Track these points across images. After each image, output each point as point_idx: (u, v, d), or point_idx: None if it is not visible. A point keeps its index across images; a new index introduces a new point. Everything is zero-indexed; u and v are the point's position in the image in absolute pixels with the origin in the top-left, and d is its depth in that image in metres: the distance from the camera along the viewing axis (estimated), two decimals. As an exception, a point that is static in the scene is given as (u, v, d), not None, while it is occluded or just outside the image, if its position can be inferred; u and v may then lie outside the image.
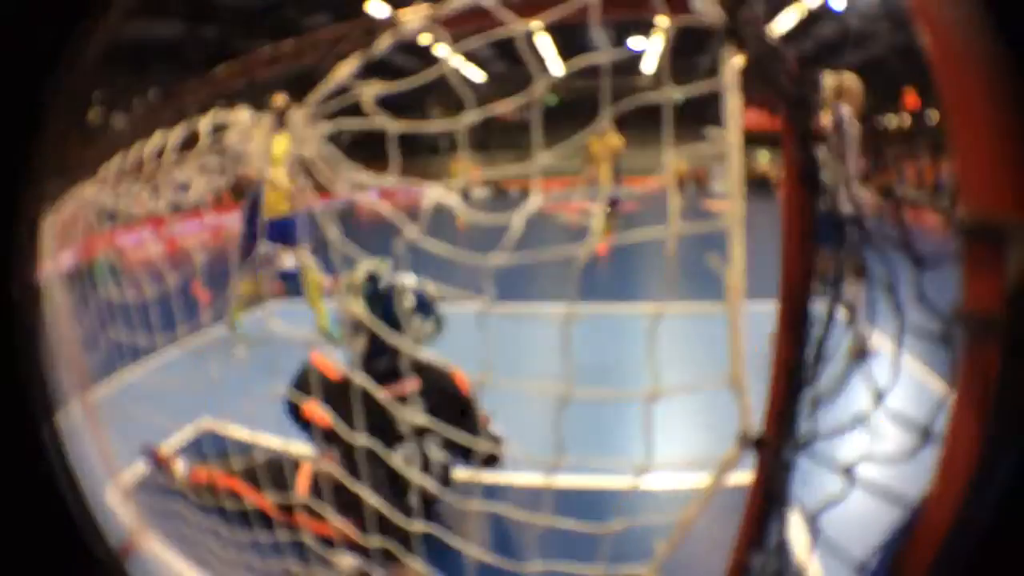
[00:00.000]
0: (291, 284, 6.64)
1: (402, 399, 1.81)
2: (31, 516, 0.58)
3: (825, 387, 0.83)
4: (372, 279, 2.04)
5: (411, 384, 1.89)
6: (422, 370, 1.97)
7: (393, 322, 1.91)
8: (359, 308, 1.62)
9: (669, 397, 0.84)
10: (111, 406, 2.11)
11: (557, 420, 0.94)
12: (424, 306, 2.06)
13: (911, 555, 0.51)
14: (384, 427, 1.20)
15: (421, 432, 1.91)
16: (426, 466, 1.97)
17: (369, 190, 1.82)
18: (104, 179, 1.73)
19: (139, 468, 2.51)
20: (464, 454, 2.04)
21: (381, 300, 1.97)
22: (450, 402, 2.00)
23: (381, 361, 1.94)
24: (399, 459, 1.85)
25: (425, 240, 1.02)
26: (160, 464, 2.36)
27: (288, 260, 6.72)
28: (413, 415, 1.76)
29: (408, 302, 2.02)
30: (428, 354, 2.01)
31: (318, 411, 1.76)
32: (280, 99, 3.98)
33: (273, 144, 1.46)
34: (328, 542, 1.46)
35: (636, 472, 0.91)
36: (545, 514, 0.99)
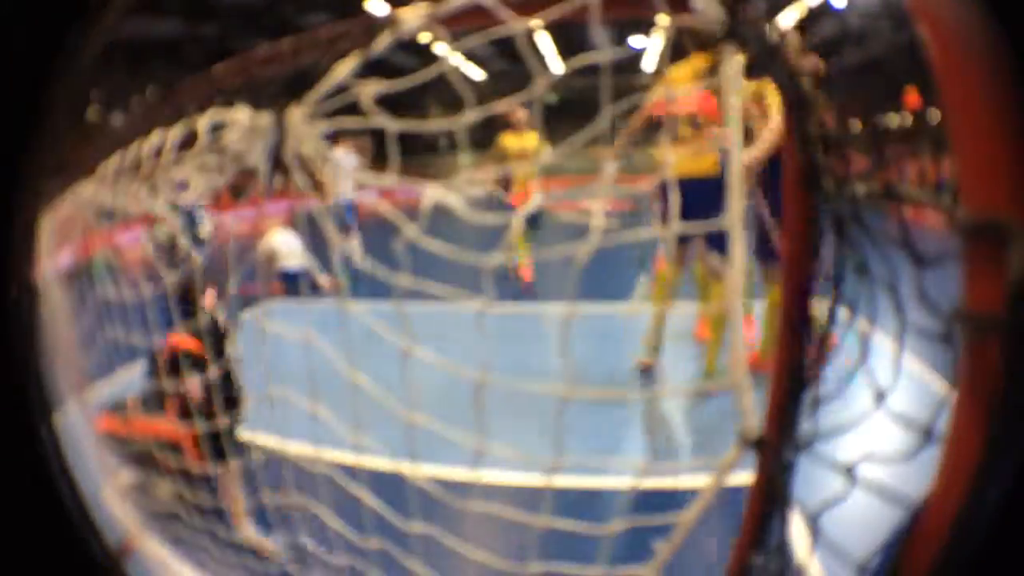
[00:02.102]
0: (291, 285, 6.63)
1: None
2: (29, 517, 0.58)
3: (826, 387, 0.83)
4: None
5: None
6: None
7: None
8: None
9: (671, 397, 0.84)
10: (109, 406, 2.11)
11: (557, 420, 0.94)
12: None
13: (913, 555, 0.51)
14: None
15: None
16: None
17: (369, 189, 1.82)
18: (102, 178, 1.73)
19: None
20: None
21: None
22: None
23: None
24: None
25: (425, 239, 1.02)
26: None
27: (292, 260, 6.68)
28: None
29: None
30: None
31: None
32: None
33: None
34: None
35: (637, 472, 0.91)
36: (544, 514, 0.99)
